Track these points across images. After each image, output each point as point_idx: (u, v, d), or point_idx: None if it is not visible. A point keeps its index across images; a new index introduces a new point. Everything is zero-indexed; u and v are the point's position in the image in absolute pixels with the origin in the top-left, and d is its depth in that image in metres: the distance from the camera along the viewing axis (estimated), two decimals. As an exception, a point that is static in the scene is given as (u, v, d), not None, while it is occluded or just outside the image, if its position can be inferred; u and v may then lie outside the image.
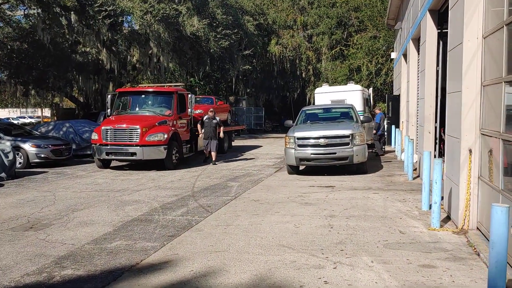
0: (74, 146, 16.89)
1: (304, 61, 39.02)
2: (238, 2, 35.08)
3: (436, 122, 10.59)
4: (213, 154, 14.66)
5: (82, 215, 7.88)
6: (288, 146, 11.88)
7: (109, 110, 14.91)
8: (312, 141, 11.51)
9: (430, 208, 7.41)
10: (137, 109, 14.61)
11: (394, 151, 17.90)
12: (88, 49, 27.38)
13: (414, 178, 10.91)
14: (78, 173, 13.25)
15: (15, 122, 46.84)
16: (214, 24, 29.55)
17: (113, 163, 14.71)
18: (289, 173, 12.28)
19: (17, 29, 23.11)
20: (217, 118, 14.72)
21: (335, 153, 11.33)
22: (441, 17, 10.63)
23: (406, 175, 11.25)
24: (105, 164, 14.11)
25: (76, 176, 12.65)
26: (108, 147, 13.39)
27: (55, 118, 32.04)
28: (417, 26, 12.57)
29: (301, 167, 12.59)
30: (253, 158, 17.24)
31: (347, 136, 11.38)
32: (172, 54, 28.67)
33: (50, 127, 18.03)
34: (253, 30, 34.24)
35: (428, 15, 10.53)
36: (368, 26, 35.20)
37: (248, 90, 43.87)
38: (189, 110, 14.69)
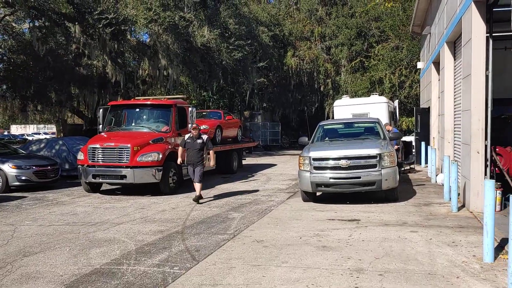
0: (67, 166, 15.27)
1: (322, 73, 37.14)
2: (252, 12, 33.49)
3: (486, 139, 8.51)
4: (197, 186, 10.58)
5: (31, 263, 6.04)
6: (302, 168, 9.91)
7: (100, 126, 13.21)
8: (331, 163, 9.52)
9: (495, 259, 5.39)
10: (131, 124, 12.86)
11: (417, 168, 15.77)
12: (94, 62, 26.08)
13: (459, 209, 8.79)
14: (60, 199, 11.48)
15: (29, 138, 45.99)
16: (226, 35, 27.97)
17: (104, 186, 12.93)
18: (304, 200, 10.29)
19: (19, 42, 21.79)
20: (204, 137, 10.59)
21: (359, 177, 9.31)
22: (488, 10, 8.65)
23: (448, 205, 9.12)
24: (94, 188, 12.34)
25: (56, 203, 10.87)
26: (95, 168, 11.62)
27: (62, 134, 30.65)
28: (455, 25, 10.57)
29: (318, 193, 10.59)
30: (264, 179, 15.28)
31: (374, 157, 9.37)
32: (182, 66, 27.15)
33: (42, 145, 16.44)
34: (268, 41, 32.52)
35: (473, 8, 8.54)
36: (390, 36, 33.20)
37: (264, 105, 42.11)
38: (189, 125, 12.86)
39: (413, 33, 24.53)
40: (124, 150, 11.33)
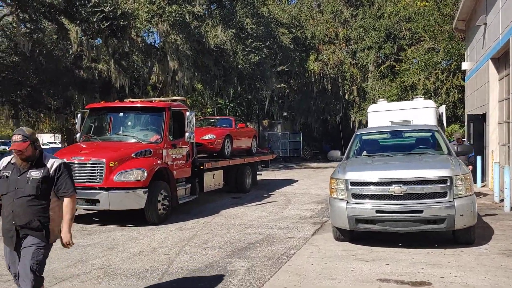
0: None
1: (348, 79, 34.11)
2: (271, 13, 30.77)
3: None
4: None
5: None
6: (335, 196, 6.99)
7: (78, 134, 10.53)
8: (378, 189, 6.58)
9: None
10: (113, 133, 10.13)
11: (480, 191, 12.65)
12: (99, 65, 23.73)
13: None
14: (15, 229, 8.78)
15: (44, 147, 43.91)
16: (243, 36, 25.26)
17: (80, 210, 10.18)
18: (337, 239, 7.35)
19: (10, 40, 19.48)
20: (52, 163, 4.01)
21: (420, 211, 6.33)
22: None
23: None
24: (64, 213, 9.61)
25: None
26: (61, 190, 8.89)
27: (66, 143, 28.34)
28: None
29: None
30: (283, 202, 12.35)
31: (443, 181, 6.39)
32: (194, 70, 24.54)
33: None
34: (288, 44, 29.72)
35: None
36: (423, 37, 30.01)
37: (284, 113, 39.24)
38: (187, 134, 10.06)
39: (456, 31, 21.40)
40: (97, 166, 8.58)
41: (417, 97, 13.62)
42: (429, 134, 8.48)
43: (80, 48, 21.25)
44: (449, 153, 7.67)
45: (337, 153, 8.38)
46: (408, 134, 8.63)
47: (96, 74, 23.17)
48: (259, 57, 24.83)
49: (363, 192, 6.68)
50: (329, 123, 41.39)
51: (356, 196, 6.73)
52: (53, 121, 24.51)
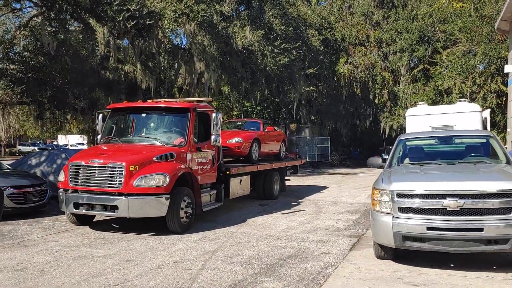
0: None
1: (379, 83, 32.98)
2: (300, 14, 29.99)
3: None
4: None
5: None
6: (378, 209, 6.17)
7: (99, 135, 10.00)
8: (430, 202, 5.74)
9: None
10: (135, 135, 9.55)
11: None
12: (125, 67, 23.45)
13: None
14: (29, 235, 8.26)
15: (71, 148, 44.34)
16: (271, 37, 24.57)
17: (100, 216, 9.62)
18: (379, 257, 6.52)
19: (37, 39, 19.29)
20: None
21: (480, 230, 5.47)
22: None
23: None
24: (83, 220, 9.09)
25: (17, 244, 7.63)
26: (78, 194, 8.36)
27: (92, 145, 28.22)
28: None
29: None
30: (314, 211, 11.55)
31: (507, 195, 5.51)
32: (220, 72, 23.99)
33: (42, 158, 13.52)
34: (318, 46, 28.87)
35: None
36: (460, 39, 28.68)
37: (311, 118, 38.35)
38: (213, 137, 9.39)
39: (498, 31, 20.19)
40: (116, 170, 7.99)
41: (460, 101, 12.62)
42: (483, 140, 7.57)
43: (107, 49, 20.99)
44: (508, 162, 6.75)
45: (378, 160, 7.55)
46: (459, 140, 7.71)
47: (122, 75, 22.89)
48: (288, 58, 24.07)
49: (412, 206, 5.85)
50: (358, 128, 40.28)
51: (403, 209, 5.90)
52: (80, 122, 24.31)
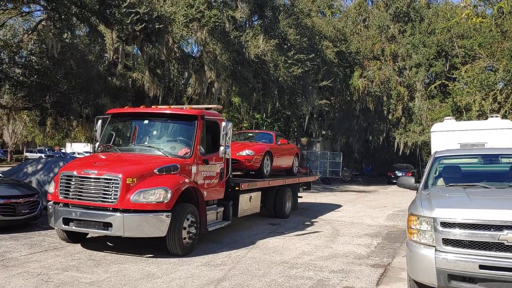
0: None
1: (394, 98, 31.98)
2: (315, 25, 29.17)
3: None
4: None
5: None
6: (416, 239, 5.15)
7: (97, 143, 9.12)
8: (483, 234, 4.72)
9: None
10: (136, 143, 8.63)
11: None
12: (134, 74, 22.74)
13: None
14: (11, 254, 7.31)
15: (78, 156, 43.60)
16: (285, 47, 23.77)
17: (94, 233, 8.66)
18: (415, 296, 5.48)
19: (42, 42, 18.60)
20: None
21: (547, 271, 4.43)
22: None
23: None
24: (73, 236, 8.13)
25: (-3, 263, 6.72)
26: (69, 208, 7.42)
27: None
28: None
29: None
30: (330, 233, 10.50)
31: None
32: (231, 81, 23.19)
33: (40, 166, 12.69)
34: (332, 58, 28.02)
35: None
36: (480, 55, 27.69)
37: (323, 132, 37.39)
38: (222, 148, 8.45)
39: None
40: (112, 183, 7.06)
41: (492, 116, 11.61)
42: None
43: (115, 56, 20.29)
44: None
45: (411, 180, 6.54)
46: (506, 160, 6.67)
47: (130, 83, 22.17)
48: (301, 70, 23.22)
49: (460, 238, 4.83)
50: (370, 144, 39.20)
51: (448, 242, 4.88)
52: (86, 129, 23.55)
